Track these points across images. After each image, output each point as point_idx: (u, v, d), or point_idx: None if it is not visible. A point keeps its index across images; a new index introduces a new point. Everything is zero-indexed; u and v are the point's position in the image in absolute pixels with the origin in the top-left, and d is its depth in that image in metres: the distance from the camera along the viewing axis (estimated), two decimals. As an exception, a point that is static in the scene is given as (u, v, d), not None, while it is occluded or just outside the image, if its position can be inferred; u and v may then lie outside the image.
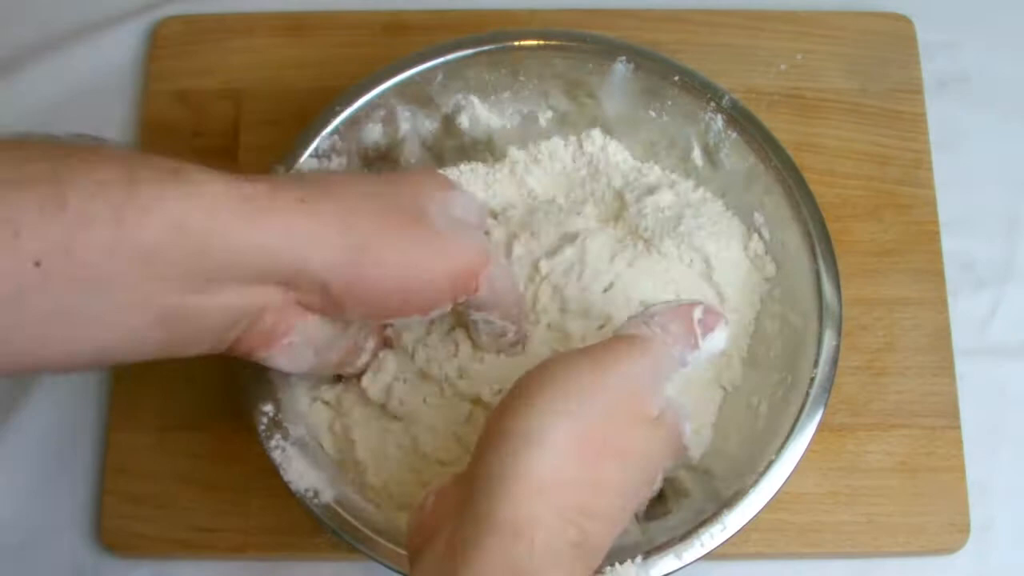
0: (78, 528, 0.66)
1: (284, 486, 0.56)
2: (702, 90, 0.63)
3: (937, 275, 0.69)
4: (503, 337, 0.59)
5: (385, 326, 0.61)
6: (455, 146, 0.67)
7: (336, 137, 0.62)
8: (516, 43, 0.64)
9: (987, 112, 0.74)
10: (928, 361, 0.68)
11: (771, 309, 0.62)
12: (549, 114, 0.67)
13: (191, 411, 0.66)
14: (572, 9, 0.75)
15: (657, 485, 0.51)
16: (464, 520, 0.44)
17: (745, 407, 0.60)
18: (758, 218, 0.63)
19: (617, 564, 0.51)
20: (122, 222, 0.43)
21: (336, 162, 0.63)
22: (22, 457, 0.67)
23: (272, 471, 0.57)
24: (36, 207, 0.41)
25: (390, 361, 0.61)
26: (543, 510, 0.43)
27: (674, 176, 0.66)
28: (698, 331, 0.51)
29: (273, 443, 0.57)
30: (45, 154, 0.43)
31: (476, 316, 0.57)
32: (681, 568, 0.54)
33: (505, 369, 0.60)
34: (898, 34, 0.74)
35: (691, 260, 0.62)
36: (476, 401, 0.60)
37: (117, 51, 0.75)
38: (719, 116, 0.62)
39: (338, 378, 0.62)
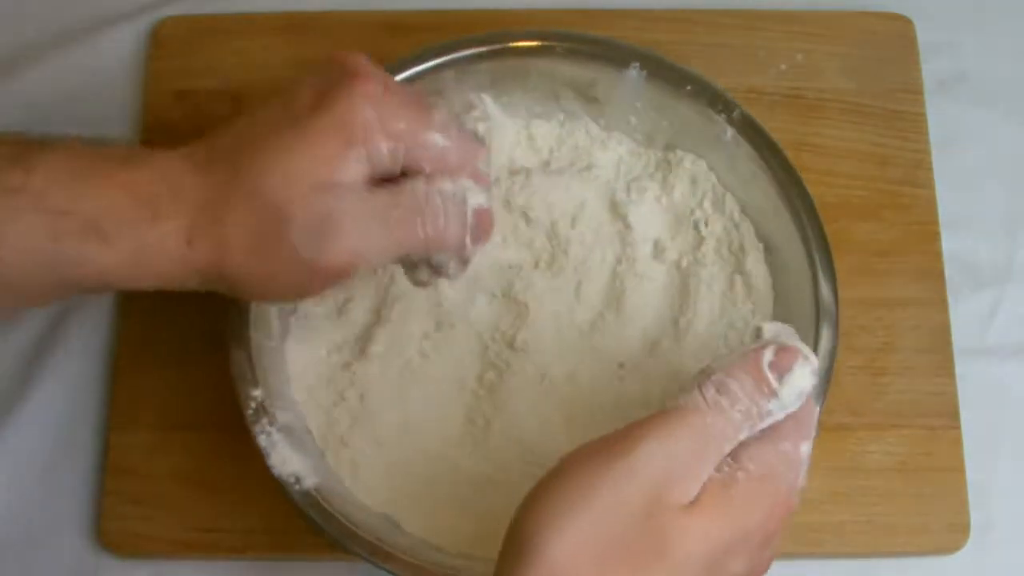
0: (78, 528, 0.66)
1: (269, 474, 0.56)
2: (713, 101, 0.63)
3: (937, 275, 0.69)
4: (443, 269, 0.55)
5: None
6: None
7: None
8: (525, 44, 0.64)
9: (987, 112, 0.74)
10: (928, 361, 0.68)
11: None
12: (561, 116, 0.67)
13: (191, 411, 0.66)
14: (572, 9, 0.75)
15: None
16: None
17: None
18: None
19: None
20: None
21: None
22: (22, 457, 0.67)
23: (272, 477, 0.57)
24: None
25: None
26: None
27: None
28: (770, 377, 0.45)
29: (259, 428, 0.57)
30: None
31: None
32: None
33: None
34: (898, 34, 0.74)
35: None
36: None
37: (117, 51, 0.75)
38: (729, 128, 0.63)
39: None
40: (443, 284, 0.64)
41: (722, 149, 0.64)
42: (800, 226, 0.61)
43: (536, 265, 0.65)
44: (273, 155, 0.49)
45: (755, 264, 0.64)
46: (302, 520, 0.56)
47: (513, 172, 0.67)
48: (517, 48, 0.64)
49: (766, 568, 0.46)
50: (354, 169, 0.49)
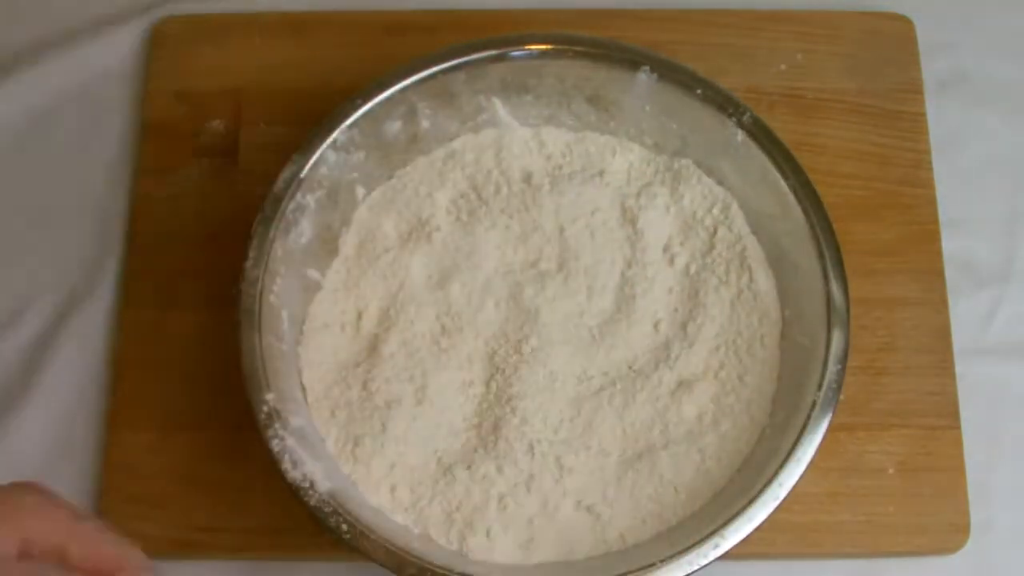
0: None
1: (282, 479, 0.56)
2: (724, 104, 0.63)
3: (937, 275, 0.69)
4: None
5: None
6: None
7: (355, 131, 0.63)
8: (536, 47, 0.64)
9: (987, 112, 0.74)
10: (928, 361, 0.68)
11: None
12: (571, 121, 0.67)
13: (191, 411, 0.66)
14: (572, 9, 0.75)
15: None
16: None
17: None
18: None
19: None
20: None
21: (356, 156, 0.63)
22: (22, 456, 0.67)
23: (272, 470, 0.57)
24: None
25: None
26: None
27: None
28: None
29: (271, 432, 0.57)
30: None
31: None
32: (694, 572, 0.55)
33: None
34: (898, 34, 0.74)
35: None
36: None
37: (117, 51, 0.75)
38: (739, 131, 0.63)
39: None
40: (453, 289, 0.64)
41: (732, 152, 0.64)
42: (811, 228, 0.61)
43: (546, 270, 0.65)
44: None
45: (761, 271, 0.64)
46: (317, 525, 0.56)
47: (524, 178, 0.67)
48: (527, 51, 0.64)
49: None
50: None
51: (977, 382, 0.68)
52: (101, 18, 0.76)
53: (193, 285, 0.69)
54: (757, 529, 0.56)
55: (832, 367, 0.59)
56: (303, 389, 0.62)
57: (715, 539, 0.56)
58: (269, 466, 0.57)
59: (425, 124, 0.65)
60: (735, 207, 0.65)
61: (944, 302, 0.69)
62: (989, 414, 0.68)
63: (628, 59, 0.64)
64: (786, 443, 0.58)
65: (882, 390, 0.67)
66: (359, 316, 0.65)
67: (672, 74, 0.64)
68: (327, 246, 0.65)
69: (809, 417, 0.58)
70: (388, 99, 0.63)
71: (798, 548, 0.64)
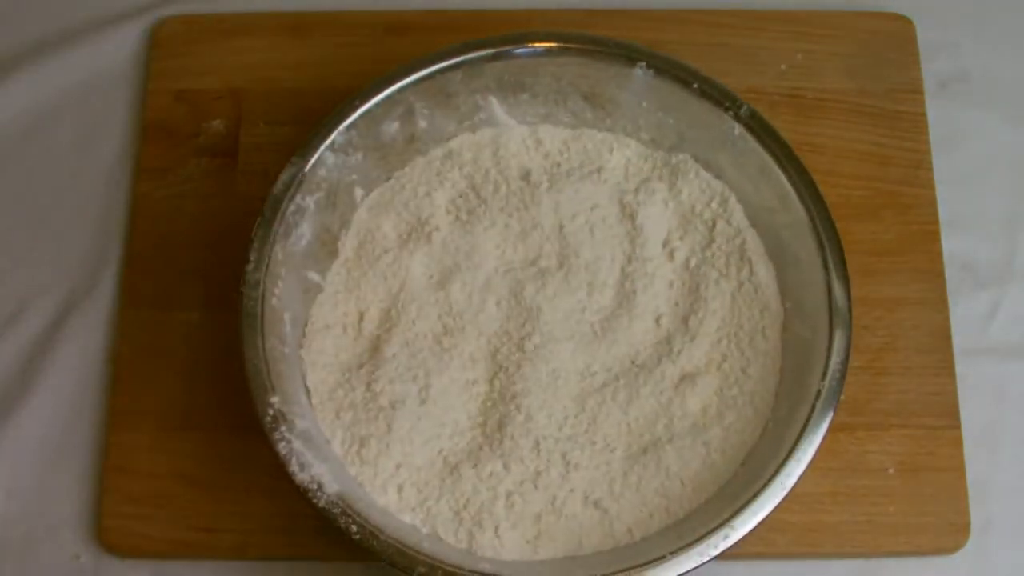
0: (78, 528, 0.66)
1: (288, 481, 0.56)
2: (720, 99, 0.63)
3: (937, 275, 0.69)
4: None
5: None
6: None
7: (353, 132, 0.63)
8: (534, 45, 0.64)
9: (987, 112, 0.74)
10: (928, 361, 0.68)
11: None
12: (568, 118, 0.67)
13: (191, 411, 0.67)
14: (572, 9, 0.75)
15: None
16: None
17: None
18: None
19: None
20: None
21: (354, 157, 0.63)
22: (22, 456, 0.67)
23: (273, 471, 0.57)
24: None
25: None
26: None
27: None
28: None
29: (278, 435, 0.57)
30: None
31: None
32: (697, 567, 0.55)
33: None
34: (898, 34, 0.74)
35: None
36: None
37: (117, 51, 0.75)
38: (736, 125, 0.63)
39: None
40: (454, 289, 0.64)
41: (730, 147, 0.64)
42: (810, 221, 0.62)
43: (546, 268, 0.66)
44: None
45: (761, 263, 0.64)
46: (326, 526, 0.56)
47: (522, 176, 0.67)
48: (524, 50, 0.64)
49: None
50: None
51: (977, 382, 0.68)
52: (101, 18, 0.76)
53: (193, 285, 0.69)
54: (764, 520, 0.56)
55: (835, 358, 0.59)
56: (307, 391, 0.62)
57: (725, 530, 0.56)
58: (270, 467, 0.57)
59: (423, 124, 0.66)
60: (733, 200, 0.66)
61: (944, 302, 0.69)
62: (989, 414, 0.68)
63: (624, 55, 0.64)
64: (791, 434, 0.58)
65: (882, 390, 0.67)
66: (360, 317, 0.65)
67: (668, 69, 0.64)
68: (327, 248, 0.65)
69: (813, 408, 0.58)
70: (385, 99, 0.63)
71: (797, 548, 0.64)
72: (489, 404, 0.63)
